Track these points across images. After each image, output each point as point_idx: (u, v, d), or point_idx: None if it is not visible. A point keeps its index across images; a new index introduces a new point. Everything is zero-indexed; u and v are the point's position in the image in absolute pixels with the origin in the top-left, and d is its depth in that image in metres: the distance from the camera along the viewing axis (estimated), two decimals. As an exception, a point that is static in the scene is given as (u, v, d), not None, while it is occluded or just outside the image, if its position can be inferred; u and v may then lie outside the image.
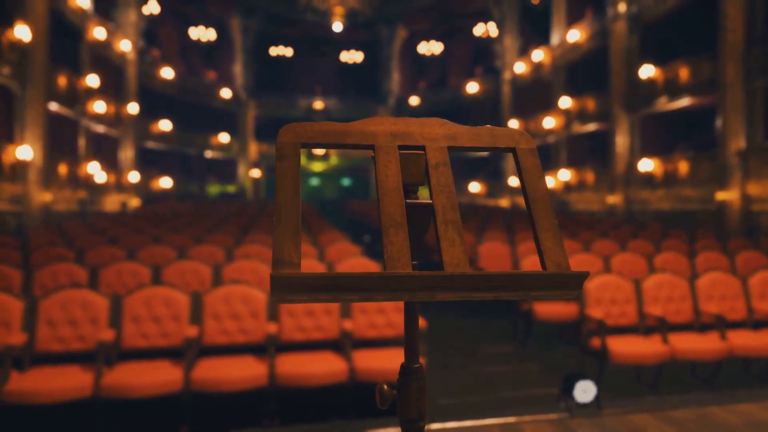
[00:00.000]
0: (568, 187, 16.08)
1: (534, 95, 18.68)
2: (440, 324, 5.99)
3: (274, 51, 26.43)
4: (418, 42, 26.02)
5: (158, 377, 3.33)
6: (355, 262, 5.26)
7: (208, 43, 23.80)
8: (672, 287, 4.48)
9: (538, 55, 17.67)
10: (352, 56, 27.48)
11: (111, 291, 4.38)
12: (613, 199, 13.60)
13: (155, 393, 3.29)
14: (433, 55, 26.26)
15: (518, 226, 9.64)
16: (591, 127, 15.30)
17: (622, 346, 3.89)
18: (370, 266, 5.27)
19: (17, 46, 10.14)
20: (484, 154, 22.11)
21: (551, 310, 5.10)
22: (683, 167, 11.53)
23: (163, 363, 3.54)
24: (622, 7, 13.42)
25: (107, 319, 3.67)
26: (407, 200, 0.62)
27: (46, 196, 11.26)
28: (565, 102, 15.87)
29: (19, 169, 10.51)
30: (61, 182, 12.42)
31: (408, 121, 0.65)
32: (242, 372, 3.42)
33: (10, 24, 10.14)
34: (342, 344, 3.80)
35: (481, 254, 6.68)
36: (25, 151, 10.39)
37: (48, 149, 11.42)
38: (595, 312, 4.09)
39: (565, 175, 15.95)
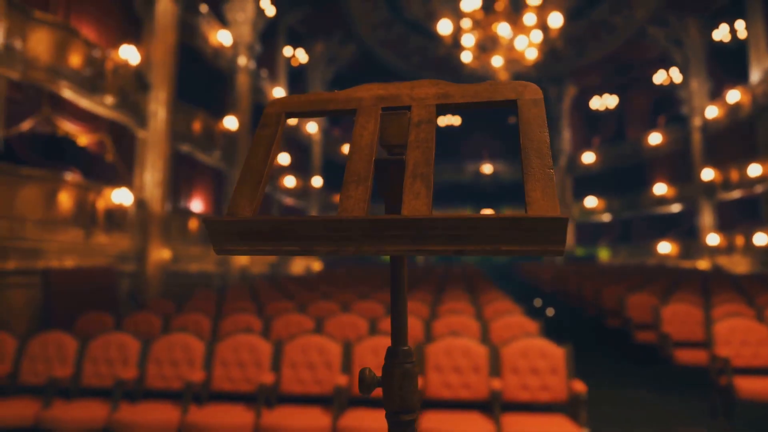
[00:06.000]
0: (787, 244, 13.39)
1: (732, 140, 16.38)
2: (624, 396, 5.28)
3: (442, 121, 27.60)
4: (590, 97, 25.00)
5: (309, 422, 3.46)
6: (511, 320, 4.97)
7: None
8: None
9: (734, 95, 15.60)
10: (519, 118, 27.43)
11: (277, 338, 4.76)
12: None
13: (305, 438, 3.40)
14: (607, 109, 24.93)
15: (718, 289, 8.23)
16: (813, 171, 12.76)
17: None
18: (528, 325, 4.92)
19: (227, 134, 12.21)
20: (676, 210, 19.74)
21: (758, 386, 4.14)
22: None
23: (314, 409, 3.68)
24: (842, 29, 11.31)
25: (270, 363, 3.97)
26: (379, 157, 0.56)
27: (244, 260, 12.94)
28: (775, 144, 13.57)
29: (224, 236, 12.33)
30: (256, 248, 14.21)
31: (399, 85, 0.61)
32: (380, 424, 3.37)
33: (221, 117, 12.32)
34: (491, 406, 3.55)
35: (664, 317, 5.82)
36: (229, 221, 12.20)
37: (247, 219, 13.26)
38: (820, 390, 3.22)
39: (781, 229, 13.35)
